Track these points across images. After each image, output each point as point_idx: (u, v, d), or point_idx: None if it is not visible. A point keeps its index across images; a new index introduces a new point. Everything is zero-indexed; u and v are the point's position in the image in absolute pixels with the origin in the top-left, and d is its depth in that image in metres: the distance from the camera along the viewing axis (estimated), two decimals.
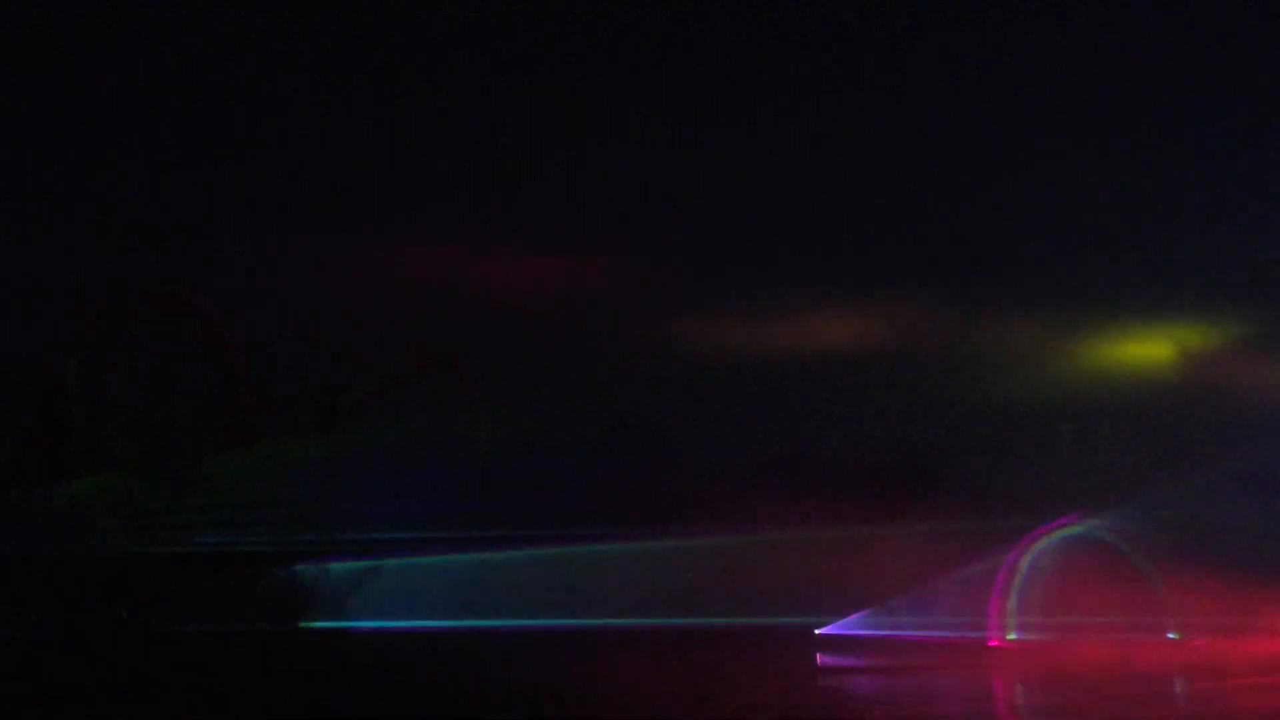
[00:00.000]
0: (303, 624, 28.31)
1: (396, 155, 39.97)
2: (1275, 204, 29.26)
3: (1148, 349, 27.77)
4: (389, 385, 34.04)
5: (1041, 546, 23.75)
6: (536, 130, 39.19)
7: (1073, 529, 23.78)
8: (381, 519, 30.22)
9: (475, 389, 33.77)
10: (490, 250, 35.37)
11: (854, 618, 23.64)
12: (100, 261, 36.41)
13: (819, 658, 22.22)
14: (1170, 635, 21.93)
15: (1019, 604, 23.16)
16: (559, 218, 36.22)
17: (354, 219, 37.92)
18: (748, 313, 33.18)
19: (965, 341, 29.29)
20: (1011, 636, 22.87)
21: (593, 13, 40.03)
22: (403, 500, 30.24)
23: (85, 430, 31.99)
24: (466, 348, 34.35)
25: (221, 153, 39.45)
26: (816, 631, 23.61)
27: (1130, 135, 32.22)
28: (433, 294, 36.25)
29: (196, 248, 36.44)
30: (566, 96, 39.06)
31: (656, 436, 33.28)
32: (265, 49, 40.60)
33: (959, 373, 29.02)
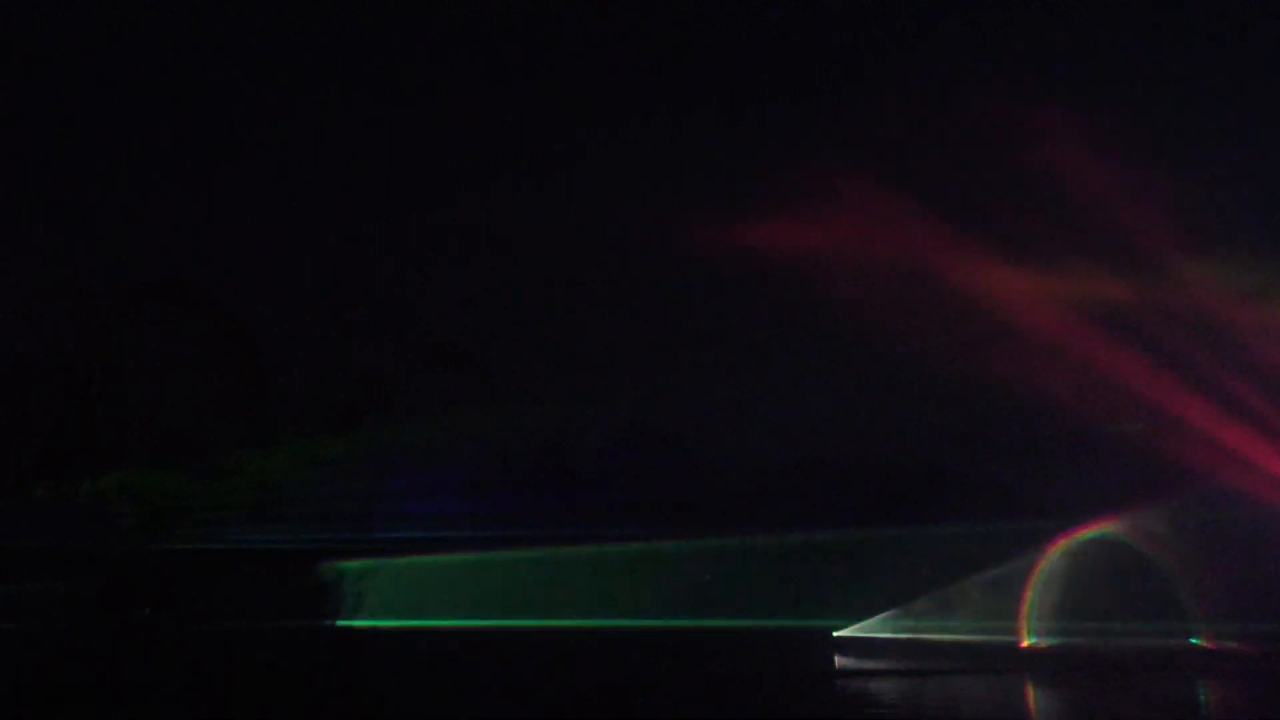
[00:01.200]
0: (322, 622, 28.34)
1: (412, 153, 40.09)
2: None
3: (1176, 350, 27.41)
4: (410, 384, 34.11)
5: (1065, 550, 23.52)
6: (538, 126, 39.16)
7: (1097, 532, 23.54)
8: (402, 518, 30.25)
9: (496, 389, 33.81)
10: (505, 251, 35.42)
11: (872, 620, 23.48)
12: (124, 260, 36.68)
13: (837, 659, 22.10)
14: (1193, 640, 21.68)
15: (1041, 607, 22.94)
16: (574, 219, 36.14)
17: (377, 217, 38.03)
18: (766, 313, 33.03)
19: (991, 342, 28.98)
20: (1033, 640, 22.66)
21: None
22: (423, 499, 30.27)
23: (108, 427, 32.19)
24: (488, 347, 34.42)
25: (244, 151, 39.69)
26: (835, 633, 23.48)
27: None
28: (456, 293, 36.31)
29: (220, 246, 36.65)
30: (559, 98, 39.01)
31: (675, 438, 33.18)
32: (282, 52, 40.81)
33: (985, 372, 28.72)
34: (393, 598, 28.81)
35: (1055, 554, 23.48)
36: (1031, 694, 18.73)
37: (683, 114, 36.96)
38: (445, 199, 39.09)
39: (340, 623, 28.39)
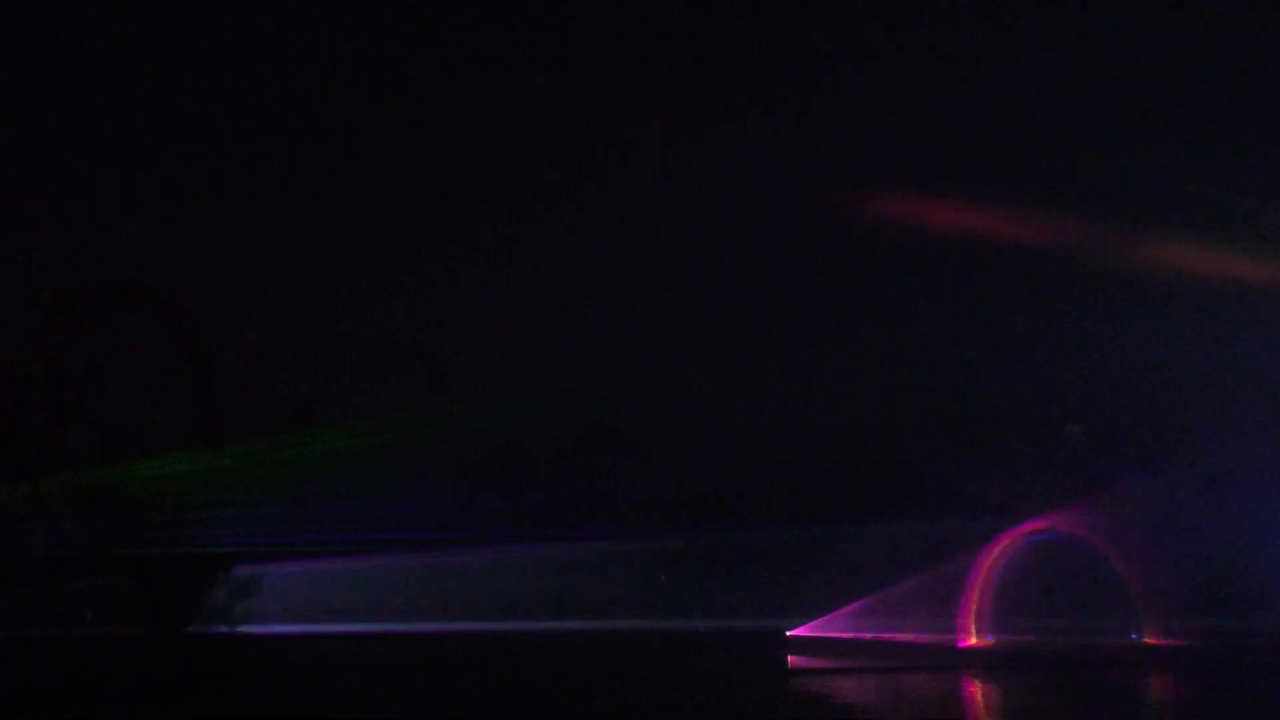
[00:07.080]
0: (262, 626, 27.94)
1: (371, 155, 39.85)
2: None
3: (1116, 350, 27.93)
4: (363, 385, 33.84)
5: (1011, 548, 23.87)
6: (538, 135, 39.00)
7: (1042, 530, 23.91)
8: (352, 520, 30.02)
9: (451, 390, 33.63)
10: (467, 251, 35.28)
11: (825, 619, 23.67)
12: (68, 259, 36.08)
13: (790, 659, 22.23)
14: (1134, 635, 22.14)
15: (989, 605, 23.28)
16: (533, 222, 36.14)
17: (328, 216, 37.77)
18: (721, 314, 33.22)
19: (940, 344, 29.39)
20: (981, 638, 22.99)
21: None
22: (372, 502, 30.06)
23: (50, 429, 31.58)
24: (442, 348, 34.27)
25: (194, 151, 39.21)
26: (788, 633, 23.63)
27: None
28: (408, 294, 36.15)
29: (166, 245, 36.19)
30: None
31: (630, 439, 33.23)
32: (230, 52, 40.39)
33: (934, 374, 29.11)
34: (345, 601, 28.56)
35: (1002, 551, 23.81)
36: (980, 691, 18.97)
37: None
38: (401, 198, 38.95)
39: (290, 627, 28.06)
